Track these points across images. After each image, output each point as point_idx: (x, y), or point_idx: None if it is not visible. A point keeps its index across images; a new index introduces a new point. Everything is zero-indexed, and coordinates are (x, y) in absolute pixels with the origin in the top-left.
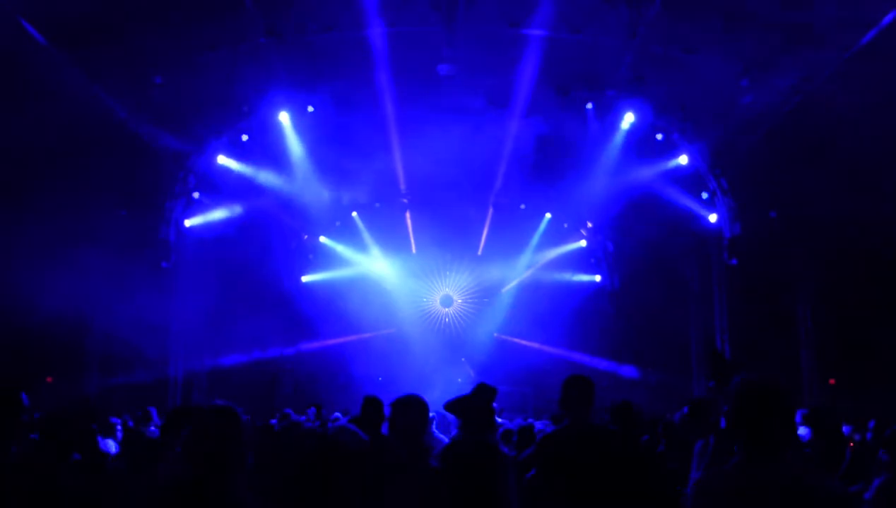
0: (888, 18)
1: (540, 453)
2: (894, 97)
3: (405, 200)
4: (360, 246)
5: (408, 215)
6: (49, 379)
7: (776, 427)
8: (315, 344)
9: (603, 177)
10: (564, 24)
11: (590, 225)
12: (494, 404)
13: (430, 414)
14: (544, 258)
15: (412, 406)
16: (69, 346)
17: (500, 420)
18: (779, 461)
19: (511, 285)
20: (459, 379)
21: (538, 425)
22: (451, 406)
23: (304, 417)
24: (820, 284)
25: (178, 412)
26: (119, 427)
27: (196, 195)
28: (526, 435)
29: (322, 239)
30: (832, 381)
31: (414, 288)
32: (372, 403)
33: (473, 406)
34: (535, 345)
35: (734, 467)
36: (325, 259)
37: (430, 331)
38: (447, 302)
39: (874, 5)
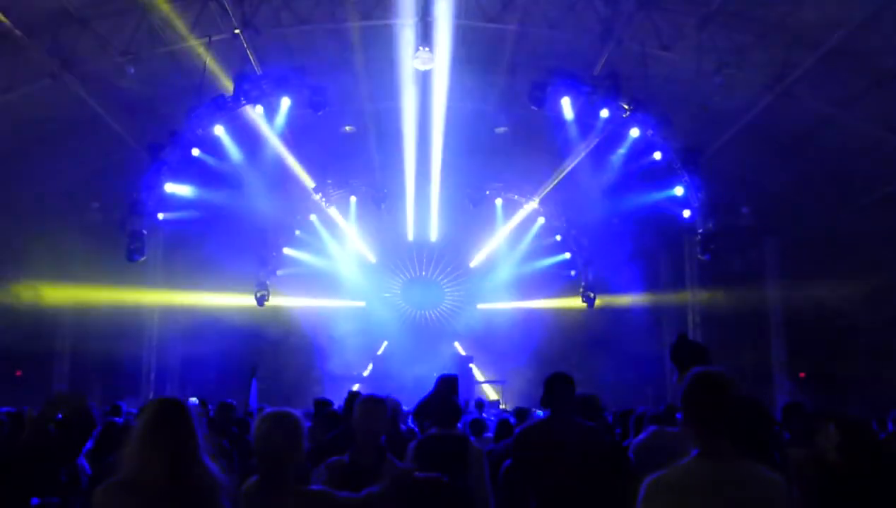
0: (859, 19)
1: (518, 443)
2: (864, 95)
3: (385, 191)
4: (337, 238)
5: (383, 209)
6: (18, 373)
7: (727, 421)
8: (289, 339)
9: (578, 172)
10: (541, 19)
11: (565, 219)
12: (496, 397)
13: (405, 409)
14: (519, 253)
15: (373, 409)
16: (40, 339)
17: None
18: (731, 455)
19: (486, 279)
20: (434, 373)
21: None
22: (419, 411)
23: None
24: (792, 280)
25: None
26: None
27: (170, 188)
28: (504, 428)
29: (297, 232)
30: (802, 375)
31: (390, 282)
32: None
33: (439, 401)
34: (510, 340)
35: (688, 464)
36: (301, 251)
37: (405, 326)
38: (423, 296)
39: (845, 6)
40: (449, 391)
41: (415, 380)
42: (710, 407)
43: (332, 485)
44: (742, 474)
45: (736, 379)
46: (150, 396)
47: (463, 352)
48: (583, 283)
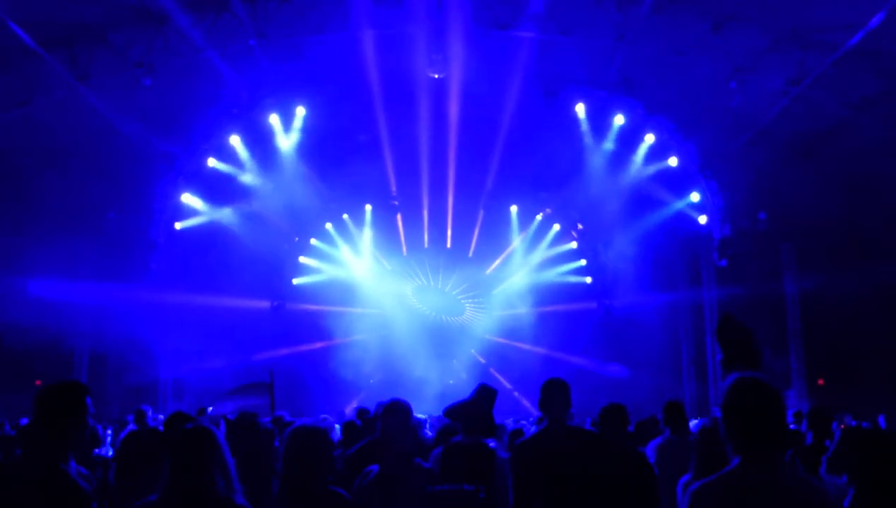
0: (874, 21)
1: (518, 457)
2: (880, 98)
3: (395, 202)
4: (352, 248)
5: (399, 217)
6: (38, 383)
7: (771, 429)
8: (306, 347)
9: (593, 178)
10: (554, 25)
11: (580, 226)
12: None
13: (423, 417)
14: (535, 259)
15: (397, 411)
16: (57, 349)
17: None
18: (776, 463)
19: (502, 286)
20: (451, 381)
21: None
22: (452, 412)
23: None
24: (808, 285)
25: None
26: (110, 432)
27: (185, 197)
28: (517, 436)
29: (313, 241)
30: (821, 382)
31: (405, 290)
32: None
33: (474, 409)
34: (527, 347)
35: (733, 471)
36: (317, 261)
37: (421, 334)
38: (440, 304)
39: (860, 8)
40: (487, 403)
41: (431, 389)
42: (752, 414)
43: (362, 492)
44: (789, 483)
45: (777, 386)
46: (167, 405)
47: (482, 360)
48: (598, 290)
